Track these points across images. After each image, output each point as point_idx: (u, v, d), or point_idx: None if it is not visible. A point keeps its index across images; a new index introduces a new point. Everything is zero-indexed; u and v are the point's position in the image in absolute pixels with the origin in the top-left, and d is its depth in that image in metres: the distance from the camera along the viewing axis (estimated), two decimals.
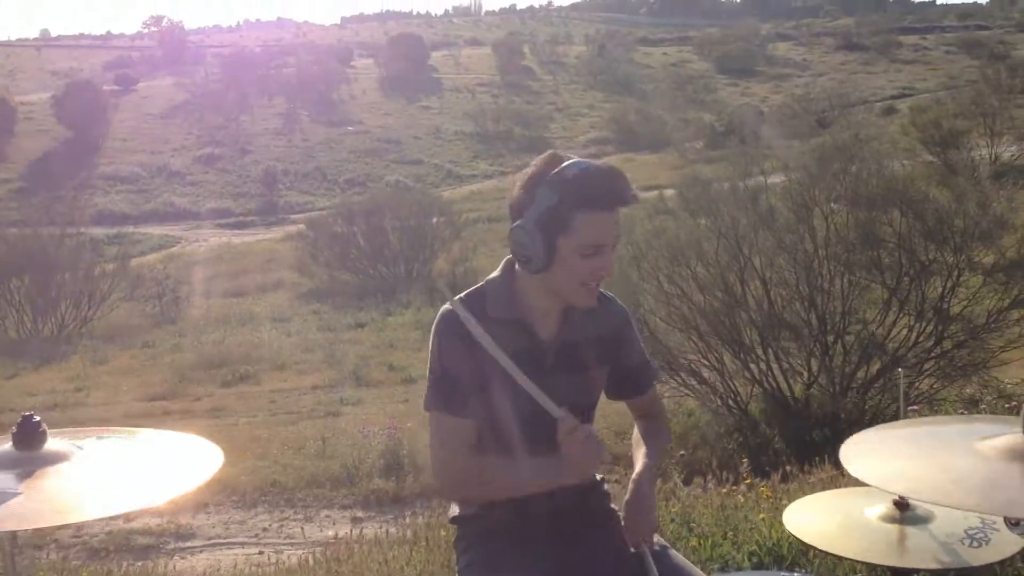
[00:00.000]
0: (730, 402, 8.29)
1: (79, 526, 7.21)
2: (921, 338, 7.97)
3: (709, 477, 5.41)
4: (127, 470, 1.45)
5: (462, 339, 1.94)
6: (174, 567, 6.22)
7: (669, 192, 15.65)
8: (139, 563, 6.49)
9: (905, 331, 8.03)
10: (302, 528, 7.03)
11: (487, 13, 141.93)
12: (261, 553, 6.52)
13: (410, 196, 22.24)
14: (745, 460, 5.77)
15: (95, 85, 43.33)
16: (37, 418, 1.43)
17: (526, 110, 43.72)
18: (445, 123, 42.79)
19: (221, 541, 6.95)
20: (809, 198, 8.00)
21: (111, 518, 7.41)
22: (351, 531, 5.77)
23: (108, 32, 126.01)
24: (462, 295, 2.02)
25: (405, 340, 13.93)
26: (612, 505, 2.18)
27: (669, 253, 7.87)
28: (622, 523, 2.08)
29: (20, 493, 1.29)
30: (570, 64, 58.01)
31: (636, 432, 2.23)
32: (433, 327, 2.00)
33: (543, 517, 2.02)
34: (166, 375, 12.62)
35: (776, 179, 8.68)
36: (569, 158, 1.95)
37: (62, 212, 28.91)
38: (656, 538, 2.07)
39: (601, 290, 2.11)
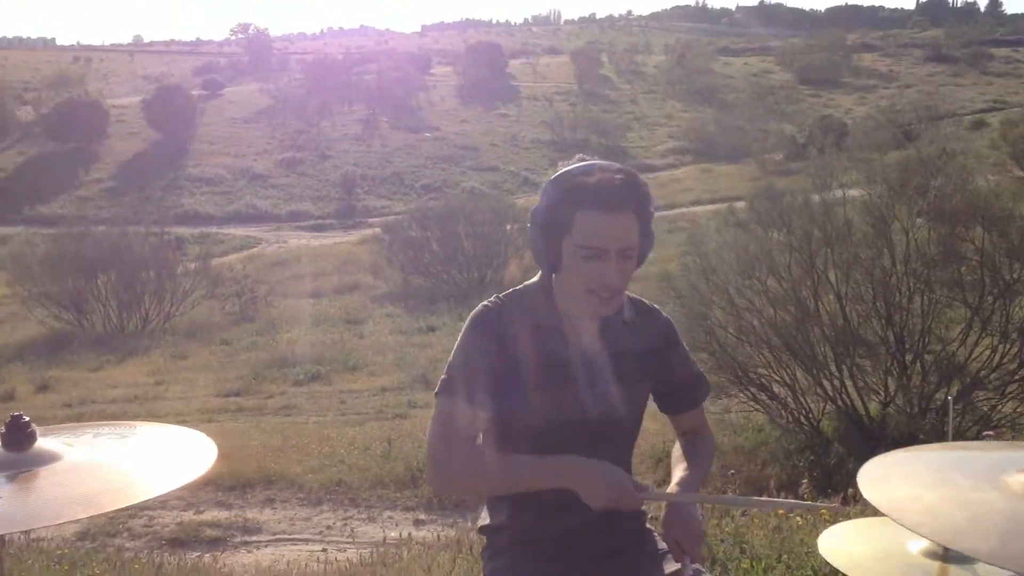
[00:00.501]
0: (801, 419, 8.11)
1: (151, 516, 7.41)
2: (1005, 359, 7.69)
3: (765, 496, 5.27)
4: (117, 469, 1.45)
5: (489, 335, 1.90)
6: (240, 560, 6.34)
7: (740, 204, 15.43)
8: (207, 554, 6.60)
9: (988, 352, 7.76)
10: (365, 528, 7.09)
11: (566, 22, 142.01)
12: (324, 551, 6.59)
13: (484, 202, 22.31)
14: (805, 481, 5.63)
15: (184, 90, 44.63)
16: (26, 418, 1.42)
17: (603, 119, 43.62)
18: (522, 131, 42.93)
19: (286, 537, 7.04)
20: (889, 212, 7.79)
21: (181, 510, 7.62)
22: (400, 533, 5.79)
23: (197, 39, 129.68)
24: (499, 296, 1.98)
25: None
26: (648, 525, 2.10)
27: (739, 266, 7.75)
28: (660, 540, 2.02)
29: (1, 497, 1.29)
30: (648, 73, 57.71)
31: (676, 449, 2.13)
32: (467, 320, 1.95)
33: (573, 531, 1.95)
34: (241, 372, 12.87)
35: (854, 192, 8.47)
36: (591, 160, 1.90)
37: (150, 212, 29.87)
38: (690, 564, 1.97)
39: (645, 301, 2.07)
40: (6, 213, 32.56)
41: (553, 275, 1.93)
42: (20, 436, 1.38)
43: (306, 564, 5.35)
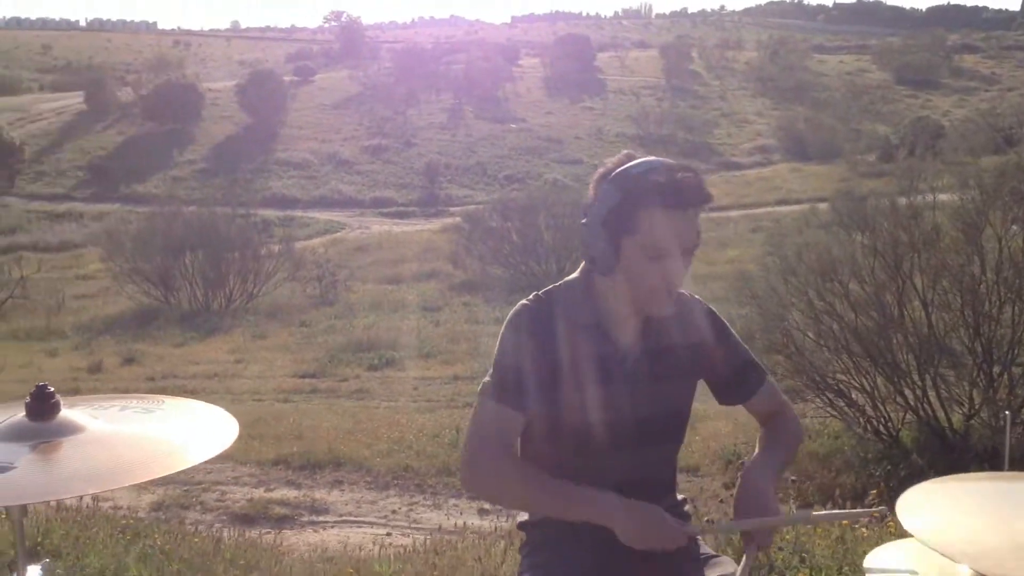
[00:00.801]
0: (880, 428, 7.88)
1: (223, 492, 7.58)
2: None
3: (829, 505, 5.12)
4: (139, 442, 1.44)
5: (533, 335, 1.87)
6: (305, 539, 6.44)
7: (823, 205, 15.07)
8: (274, 531, 6.72)
9: None
10: (430, 515, 7.13)
11: (657, 16, 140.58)
12: (388, 534, 6.65)
13: (566, 195, 22.22)
14: (874, 492, 5.44)
15: (276, 75, 45.50)
16: (51, 388, 1.43)
17: (690, 114, 43.07)
18: (607, 124, 42.66)
19: (352, 519, 7.12)
20: (981, 218, 7.50)
21: (252, 487, 7.78)
22: (458, 522, 5.79)
23: (292, 26, 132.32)
24: (538, 293, 1.94)
25: None
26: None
27: (820, 268, 7.54)
28: (704, 544, 1.97)
29: (15, 467, 1.29)
30: (739, 69, 56.72)
31: (759, 437, 2.08)
32: (507, 319, 1.92)
33: (611, 531, 1.87)
34: (318, 354, 13.08)
35: (945, 197, 8.17)
36: (643, 157, 1.84)
37: (239, 194, 30.57)
38: (732, 565, 1.91)
39: (684, 292, 2.00)
40: (104, 191, 33.70)
41: (598, 274, 1.88)
42: (44, 406, 1.40)
43: (360, 547, 5.40)
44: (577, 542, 1.90)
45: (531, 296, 1.94)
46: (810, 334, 7.76)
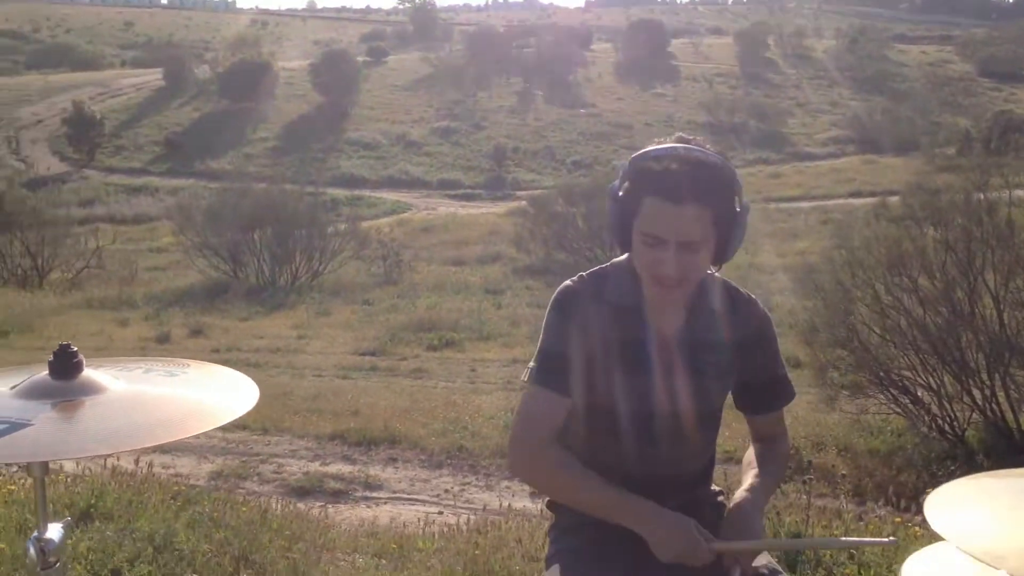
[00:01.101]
0: (945, 427, 7.68)
1: (280, 464, 7.69)
2: None
3: (881, 502, 4.98)
4: (159, 404, 1.45)
5: (574, 317, 1.86)
6: (357, 514, 6.50)
7: (895, 199, 14.69)
8: (328, 506, 6.80)
9: None
10: (482, 495, 7.15)
11: (734, 2, 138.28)
12: (440, 513, 6.68)
13: None
14: (929, 490, 5.29)
15: (349, 56, 45.95)
16: (74, 348, 1.44)
17: (764, 103, 42.36)
18: (678, 111, 42.21)
19: (405, 496, 7.17)
20: None
21: (308, 460, 7.89)
22: (508, 503, 5.79)
23: (367, 7, 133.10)
24: (583, 273, 1.93)
25: None
26: None
27: (889, 261, 7.34)
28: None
29: (32, 424, 1.30)
30: (816, 58, 55.54)
31: (748, 454, 2.01)
32: (551, 300, 1.91)
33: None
34: (379, 333, 13.18)
35: (1022, 193, 7.90)
36: (685, 140, 1.80)
37: (309, 172, 31.00)
38: (767, 559, 1.87)
39: (743, 291, 1.97)
40: (179, 166, 34.48)
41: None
42: (67, 365, 1.41)
43: (406, 524, 5.44)
44: (607, 531, 1.87)
45: (576, 276, 1.93)
46: (876, 329, 7.57)
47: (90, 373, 1.43)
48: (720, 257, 1.83)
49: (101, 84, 46.63)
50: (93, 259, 19.05)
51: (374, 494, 7.29)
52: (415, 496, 7.28)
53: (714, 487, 2.01)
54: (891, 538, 1.93)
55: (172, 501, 4.06)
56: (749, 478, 1.91)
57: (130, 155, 36.47)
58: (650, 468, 1.86)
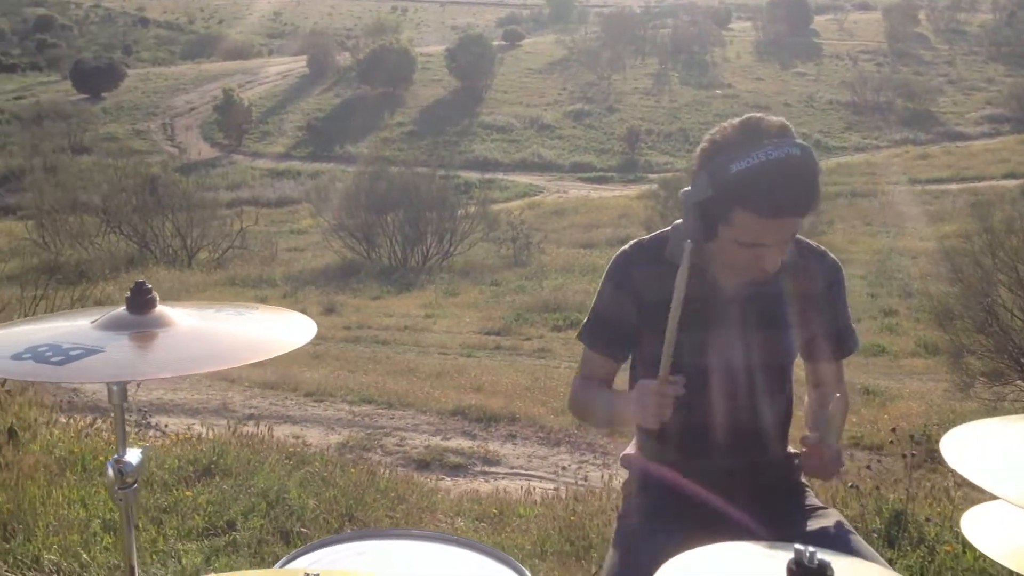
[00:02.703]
0: None
1: (403, 437, 7.90)
2: None
3: None
4: (221, 337, 1.54)
5: (621, 285, 1.91)
6: (475, 488, 6.62)
7: None
8: (448, 478, 6.95)
9: None
10: (598, 472, 7.16)
11: None
12: (556, 489, 6.73)
13: None
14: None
15: (485, 40, 46.30)
16: (148, 286, 1.56)
17: (913, 81, 40.40)
18: (820, 91, 40.80)
19: (522, 472, 7.25)
20: None
21: (430, 435, 8.07)
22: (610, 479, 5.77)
23: None
24: (643, 239, 1.95)
25: None
26: (803, 479, 1.98)
27: None
28: (813, 496, 1.91)
29: (103, 350, 1.41)
30: (972, 33, 52.60)
31: (809, 400, 1.99)
32: (607, 265, 1.96)
33: (721, 474, 1.87)
34: (505, 313, 13.33)
35: None
36: (756, 129, 1.71)
37: (444, 156, 31.52)
38: (836, 517, 1.85)
39: (812, 243, 1.93)
40: (320, 151, 35.61)
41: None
42: (142, 300, 1.53)
43: (504, 490, 5.52)
44: (682, 488, 1.88)
45: (633, 242, 1.96)
46: (1018, 313, 7.19)
47: (163, 309, 1.54)
48: None
49: (249, 72, 48.59)
50: (237, 240, 19.93)
51: (492, 469, 7.41)
52: (532, 472, 7.36)
53: (791, 449, 1.97)
54: None
55: (287, 461, 4.27)
56: (816, 417, 1.90)
57: (274, 140, 37.89)
58: (719, 424, 1.86)
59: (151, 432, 5.84)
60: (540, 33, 58.20)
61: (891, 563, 3.13)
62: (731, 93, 40.69)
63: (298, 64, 48.31)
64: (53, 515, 3.01)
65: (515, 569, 1.54)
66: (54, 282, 10.40)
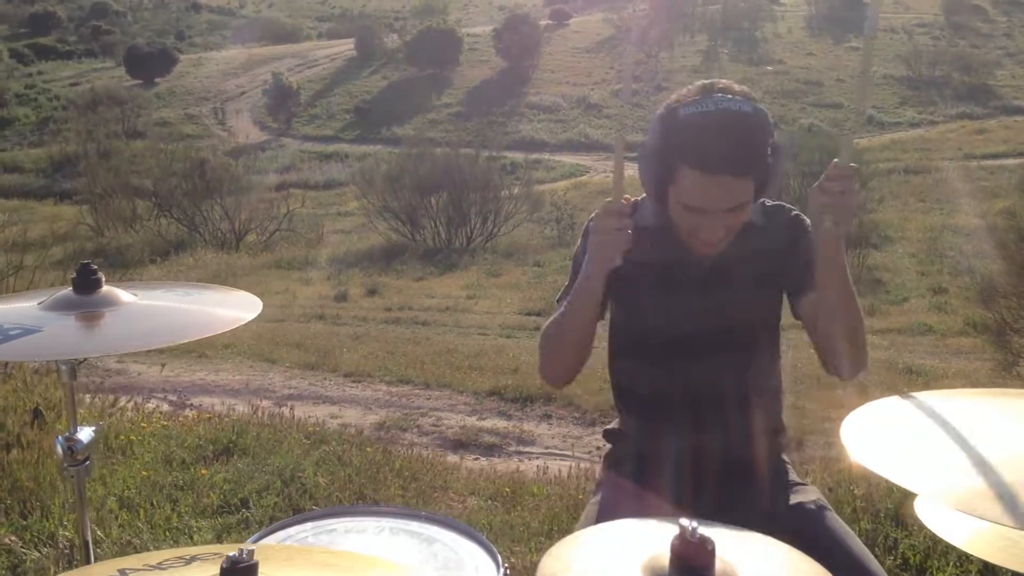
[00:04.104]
0: None
1: (438, 417, 7.95)
2: None
3: None
4: (166, 316, 1.57)
5: None
6: (508, 467, 6.64)
7: None
8: (484, 459, 6.98)
9: None
10: None
11: None
12: (571, 468, 6.73)
13: (813, 140, 21.15)
14: None
15: (532, 20, 46.05)
16: (94, 266, 1.58)
17: (970, 54, 39.37)
18: (873, 66, 39.91)
19: (557, 452, 7.26)
20: None
21: (466, 415, 8.11)
22: None
23: None
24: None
25: None
26: (784, 456, 1.95)
27: None
28: (793, 471, 1.91)
29: (41, 330, 1.43)
30: None
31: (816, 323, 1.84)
32: (584, 228, 1.91)
33: (701, 450, 1.84)
34: (546, 293, 13.30)
35: None
36: (713, 89, 1.69)
37: (490, 137, 31.49)
38: (815, 494, 1.82)
39: (772, 202, 1.90)
40: (367, 133, 35.81)
41: None
42: (88, 281, 1.56)
43: (519, 469, 5.55)
44: (663, 458, 1.87)
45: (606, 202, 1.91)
46: None
47: (110, 289, 1.57)
48: (763, 197, 1.77)
49: (299, 56, 48.94)
50: (284, 223, 20.15)
51: (527, 449, 7.43)
52: (567, 452, 7.36)
53: (784, 418, 1.95)
54: None
55: (306, 441, 4.33)
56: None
57: (323, 123, 38.18)
58: (693, 388, 1.84)
59: (187, 412, 5.95)
60: (587, 12, 57.72)
61: (896, 543, 3.08)
62: (782, 70, 40.04)
63: (346, 47, 48.54)
64: (71, 492, 3.09)
65: (484, 546, 1.55)
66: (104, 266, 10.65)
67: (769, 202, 1.90)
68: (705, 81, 1.75)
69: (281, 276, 15.52)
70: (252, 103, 40.95)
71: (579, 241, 1.92)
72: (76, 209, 22.31)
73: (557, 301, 1.96)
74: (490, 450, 7.38)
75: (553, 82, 40.28)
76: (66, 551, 2.64)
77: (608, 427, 2.05)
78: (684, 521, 1.06)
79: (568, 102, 37.30)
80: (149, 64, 44.73)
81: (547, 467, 5.59)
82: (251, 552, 0.99)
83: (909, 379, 8.43)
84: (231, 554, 0.99)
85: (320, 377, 8.92)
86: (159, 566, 1.10)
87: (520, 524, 3.43)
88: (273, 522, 3.33)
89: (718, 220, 1.69)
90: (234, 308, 1.56)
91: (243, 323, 1.51)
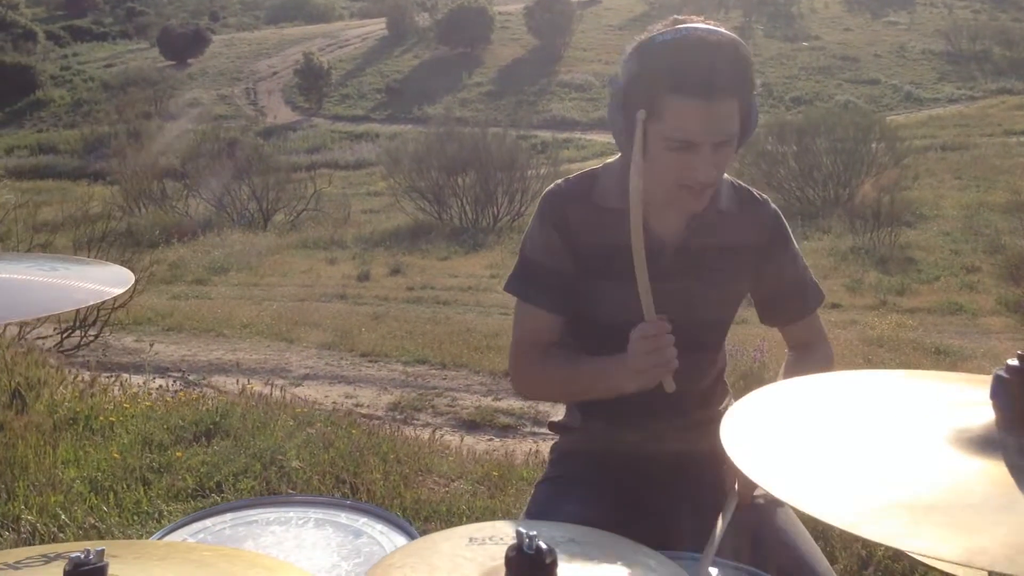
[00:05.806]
0: None
1: (454, 398, 7.88)
2: None
3: None
4: (21, 290, 1.48)
5: (556, 226, 1.69)
6: (522, 448, 6.57)
7: None
8: (499, 439, 6.92)
9: None
10: None
11: None
12: None
13: (848, 116, 20.76)
14: None
15: None
16: None
17: (1011, 28, 38.47)
18: (912, 40, 39.16)
19: None
20: None
21: (481, 395, 8.04)
22: None
23: None
24: (570, 177, 1.76)
25: (815, 267, 13.19)
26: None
27: None
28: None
29: None
30: None
31: (785, 363, 1.82)
32: (537, 205, 1.75)
33: (649, 446, 1.72)
34: None
35: None
36: (686, 21, 1.55)
37: (522, 116, 31.30)
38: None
39: (753, 191, 1.76)
40: (398, 112, 35.76)
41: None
42: None
43: (510, 452, 5.46)
44: (609, 454, 1.77)
45: (563, 179, 1.78)
46: None
47: None
48: (739, 147, 1.63)
49: (330, 36, 48.96)
50: (312, 202, 20.17)
51: (542, 430, 7.35)
52: None
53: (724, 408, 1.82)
54: None
55: (291, 422, 4.26)
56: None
57: (354, 103, 38.19)
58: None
59: (194, 391, 5.92)
60: None
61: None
62: (818, 45, 39.40)
63: (378, 26, 48.49)
64: (44, 475, 3.05)
65: (404, 531, 1.46)
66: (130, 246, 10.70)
67: (743, 187, 1.76)
68: (677, 16, 1.62)
69: (307, 256, 15.52)
70: (284, 83, 41.06)
71: (533, 223, 1.75)
72: (108, 190, 22.48)
73: (507, 288, 1.78)
74: (504, 431, 7.30)
75: (585, 60, 39.95)
76: (26, 536, 2.59)
77: (555, 421, 1.93)
78: (523, 528, 0.94)
79: (600, 80, 36.94)
80: (182, 45, 45.00)
81: (538, 451, 5.49)
82: (100, 552, 0.91)
83: (936, 359, 8.23)
84: (74, 554, 0.91)
85: (337, 357, 8.89)
86: (14, 565, 1.02)
87: (501, 510, 3.34)
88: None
89: (708, 157, 1.53)
90: (97, 283, 1.48)
91: (105, 299, 1.43)
